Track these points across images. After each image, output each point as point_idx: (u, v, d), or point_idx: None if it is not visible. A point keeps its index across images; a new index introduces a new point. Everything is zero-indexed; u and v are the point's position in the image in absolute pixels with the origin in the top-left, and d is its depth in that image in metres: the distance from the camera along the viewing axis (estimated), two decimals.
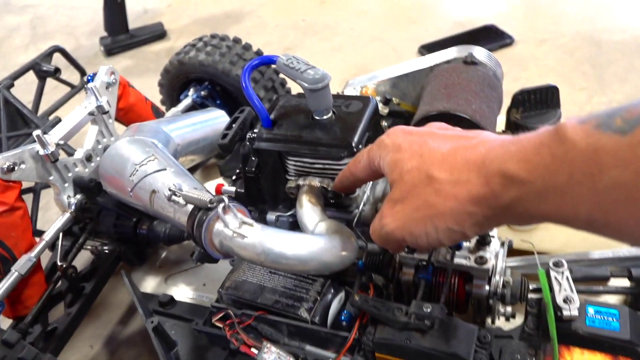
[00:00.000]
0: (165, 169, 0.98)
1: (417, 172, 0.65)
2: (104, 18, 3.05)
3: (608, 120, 0.50)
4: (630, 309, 0.88)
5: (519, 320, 0.98)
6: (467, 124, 1.00)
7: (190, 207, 0.88)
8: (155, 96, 1.93)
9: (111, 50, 3.08)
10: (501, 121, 1.20)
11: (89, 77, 1.42)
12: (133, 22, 3.26)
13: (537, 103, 1.13)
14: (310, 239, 0.83)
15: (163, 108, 1.88)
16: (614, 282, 1.08)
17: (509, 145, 0.58)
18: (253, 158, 1.10)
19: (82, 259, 1.51)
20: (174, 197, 0.89)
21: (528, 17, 2.71)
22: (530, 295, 0.97)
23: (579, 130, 0.51)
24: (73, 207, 1.31)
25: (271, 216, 1.15)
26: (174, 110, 1.68)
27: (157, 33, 3.17)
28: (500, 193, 0.57)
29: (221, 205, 0.80)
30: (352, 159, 0.83)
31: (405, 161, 0.67)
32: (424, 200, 0.63)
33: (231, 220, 0.81)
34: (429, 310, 0.81)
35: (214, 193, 1.06)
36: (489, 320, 1.03)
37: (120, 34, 3.08)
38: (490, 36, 2.54)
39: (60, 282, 1.34)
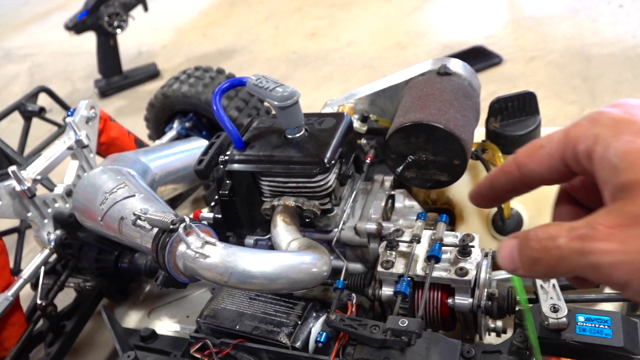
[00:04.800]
0: (134, 195, 0.96)
1: None
2: (98, 61, 3.10)
3: None
4: (623, 315, 0.84)
5: (510, 335, 0.93)
6: (441, 133, 0.98)
7: (155, 231, 0.85)
8: (146, 133, 1.94)
9: (105, 91, 3.11)
10: (481, 132, 1.17)
11: (69, 112, 1.42)
12: (128, 64, 3.31)
13: (516, 110, 1.10)
14: (277, 256, 0.79)
15: (150, 142, 1.88)
16: (610, 290, 1.03)
17: None
18: (227, 181, 1.08)
19: (69, 298, 1.48)
20: (138, 222, 0.86)
21: (516, 37, 2.71)
22: (519, 308, 0.92)
23: None
24: (52, 243, 1.29)
25: (249, 240, 1.12)
26: (157, 142, 1.67)
27: (150, 73, 3.21)
28: None
29: (182, 225, 0.77)
30: (523, 147, 0.49)
31: None
32: None
33: (194, 240, 0.79)
34: (405, 325, 0.77)
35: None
36: (478, 338, 0.99)
37: (114, 76, 3.13)
38: (479, 56, 2.53)
39: (41, 322, 1.31)
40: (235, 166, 1.05)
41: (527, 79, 2.34)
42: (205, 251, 0.77)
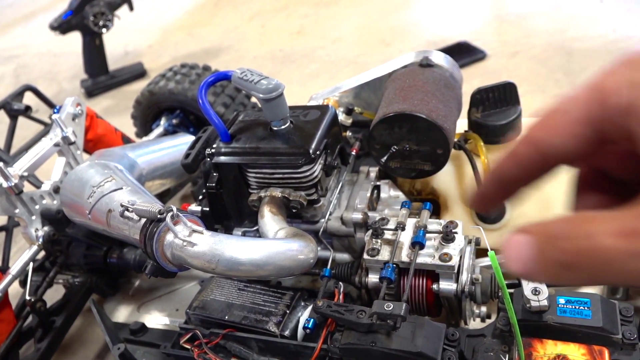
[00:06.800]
0: (122, 188, 0.97)
1: None
2: (84, 61, 3.08)
3: None
4: (602, 297, 0.86)
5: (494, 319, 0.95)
6: (424, 123, 0.99)
7: (143, 222, 0.86)
8: (133, 132, 1.94)
9: (92, 91, 3.10)
10: (463, 124, 1.19)
11: (55, 110, 1.42)
12: (114, 64, 3.30)
13: (497, 101, 1.12)
14: (264, 243, 0.81)
15: (138, 140, 1.88)
16: None
17: None
18: (214, 173, 1.09)
19: (58, 295, 1.48)
20: (126, 213, 0.87)
21: (499, 32, 2.74)
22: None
23: None
24: (41, 239, 1.29)
25: (237, 232, 1.13)
26: (145, 139, 1.67)
27: (137, 72, 3.20)
28: None
29: (170, 214, 0.78)
30: (536, 120, 0.35)
31: None
32: None
33: (181, 229, 0.80)
34: (390, 308, 0.79)
35: None
36: (464, 323, 1.01)
37: (100, 76, 3.11)
38: (463, 52, 2.56)
39: (31, 318, 1.31)
40: (222, 158, 1.06)
41: (510, 73, 2.37)
42: (193, 239, 0.78)
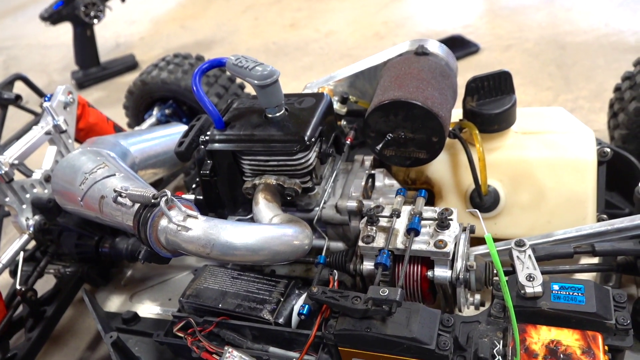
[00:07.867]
0: (115, 175, 0.96)
1: None
2: (75, 52, 3.05)
3: None
4: (596, 283, 0.86)
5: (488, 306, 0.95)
6: (419, 110, 0.99)
7: (137, 207, 0.85)
8: (125, 122, 1.93)
9: (83, 83, 3.08)
10: (459, 113, 1.19)
11: (46, 98, 1.40)
12: (106, 56, 3.28)
13: (492, 90, 1.12)
14: (259, 228, 0.80)
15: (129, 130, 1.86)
16: (585, 261, 1.07)
17: None
18: (208, 161, 1.08)
19: (48, 286, 1.46)
20: (119, 199, 0.86)
21: (493, 26, 2.75)
22: (496, 279, 0.94)
23: None
24: (32, 228, 1.28)
25: (231, 220, 1.13)
26: (137, 129, 1.66)
27: (128, 64, 3.18)
28: None
29: (164, 199, 0.77)
30: None
31: None
32: None
33: (175, 214, 0.79)
34: (385, 294, 0.78)
35: None
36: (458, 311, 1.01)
37: (91, 67, 3.09)
38: (457, 45, 2.56)
39: (21, 308, 1.29)
40: (216, 146, 1.05)
41: (503, 66, 2.34)
42: (187, 224, 0.78)
